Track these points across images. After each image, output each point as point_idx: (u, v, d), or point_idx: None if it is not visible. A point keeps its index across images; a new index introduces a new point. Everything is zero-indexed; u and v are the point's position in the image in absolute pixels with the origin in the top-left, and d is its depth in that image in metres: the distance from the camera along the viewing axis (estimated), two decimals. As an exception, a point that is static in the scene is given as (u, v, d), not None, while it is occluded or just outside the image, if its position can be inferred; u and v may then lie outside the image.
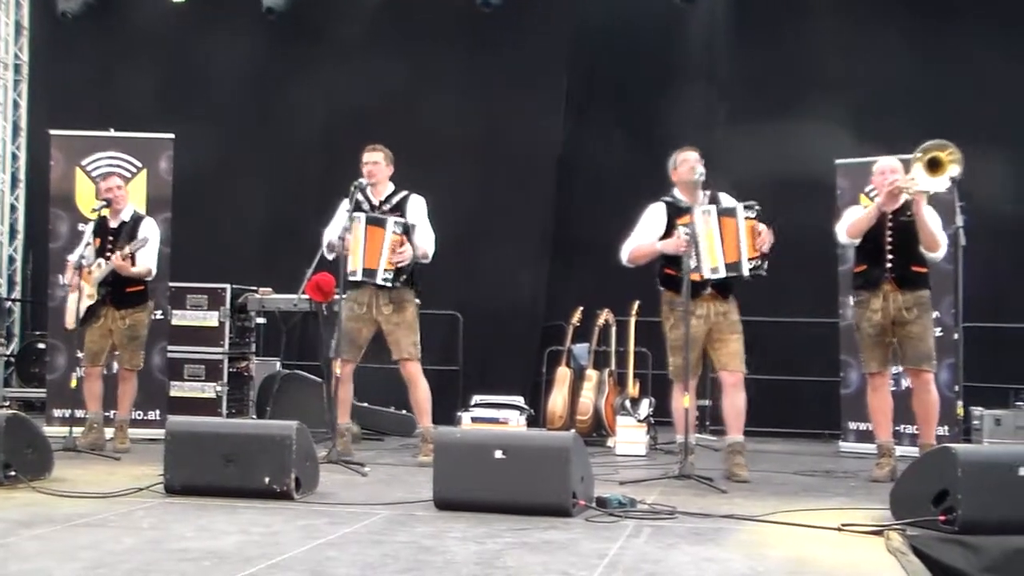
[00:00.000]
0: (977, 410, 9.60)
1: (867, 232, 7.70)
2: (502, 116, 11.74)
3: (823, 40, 11.29)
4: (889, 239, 7.64)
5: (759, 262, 7.38)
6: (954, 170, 7.23)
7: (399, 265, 8.02)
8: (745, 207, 7.42)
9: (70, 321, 8.62)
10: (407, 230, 8.04)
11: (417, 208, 8.29)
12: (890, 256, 7.64)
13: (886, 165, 7.71)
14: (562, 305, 10.85)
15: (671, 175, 7.76)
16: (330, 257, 8.15)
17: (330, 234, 8.17)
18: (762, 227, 7.37)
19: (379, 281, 8.02)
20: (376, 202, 8.24)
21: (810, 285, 9.97)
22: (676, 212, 7.59)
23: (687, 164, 7.59)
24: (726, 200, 7.68)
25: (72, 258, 8.73)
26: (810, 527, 5.66)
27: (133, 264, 8.54)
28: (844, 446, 9.64)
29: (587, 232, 11.52)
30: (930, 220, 7.44)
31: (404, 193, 8.33)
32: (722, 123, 11.09)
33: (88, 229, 8.85)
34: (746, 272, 7.39)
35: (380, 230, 8.02)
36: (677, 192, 7.71)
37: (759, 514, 6.01)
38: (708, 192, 7.67)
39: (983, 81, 10.78)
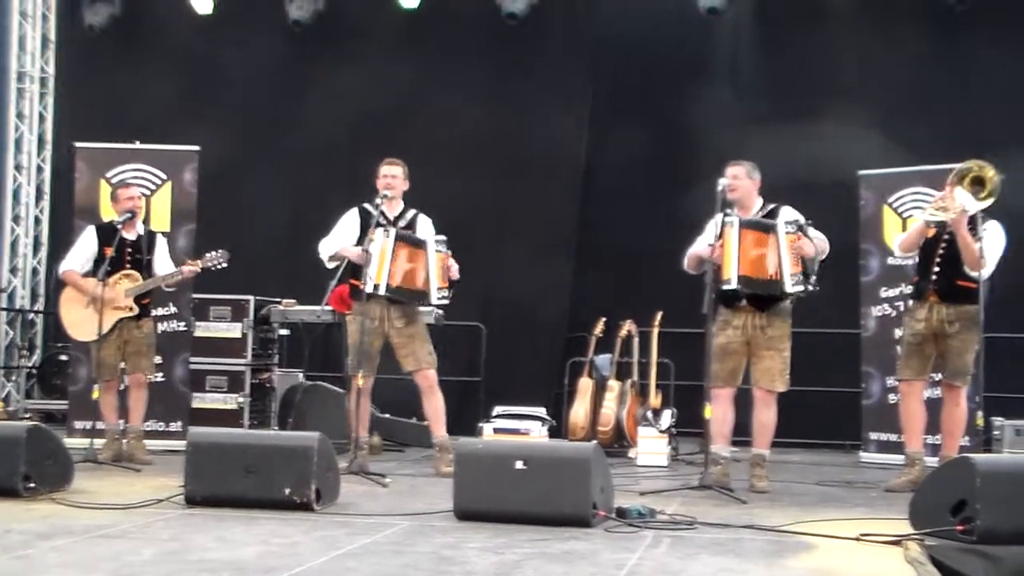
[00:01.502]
0: (998, 420, 9.59)
1: (925, 243, 7.74)
2: (526, 126, 11.75)
3: (846, 47, 11.28)
4: (940, 252, 7.66)
5: (800, 278, 7.32)
6: (994, 190, 7.20)
7: (451, 280, 8.14)
8: (787, 223, 7.40)
9: (88, 334, 8.59)
10: (448, 249, 8.14)
11: (427, 228, 8.36)
12: (936, 268, 7.67)
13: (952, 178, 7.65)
14: (585, 316, 10.86)
15: None
16: (330, 266, 8.20)
17: (332, 244, 8.24)
18: (803, 239, 7.35)
19: (435, 302, 8.13)
20: (391, 217, 8.28)
21: (832, 296, 9.92)
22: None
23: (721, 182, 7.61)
24: (783, 214, 7.63)
25: (73, 267, 8.71)
26: (829, 537, 5.65)
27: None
28: (865, 456, 9.63)
29: (611, 242, 11.54)
30: (986, 241, 7.38)
31: (414, 211, 8.39)
32: (746, 129, 11.08)
33: (89, 239, 8.77)
34: (789, 287, 7.32)
35: (420, 252, 8.09)
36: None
37: (779, 524, 6.01)
38: (771, 205, 7.68)
39: (1007, 88, 10.74)
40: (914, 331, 7.78)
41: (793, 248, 7.32)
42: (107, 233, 8.69)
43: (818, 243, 7.43)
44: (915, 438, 7.89)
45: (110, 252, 8.47)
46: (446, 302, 8.23)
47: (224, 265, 8.72)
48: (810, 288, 7.40)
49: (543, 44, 11.80)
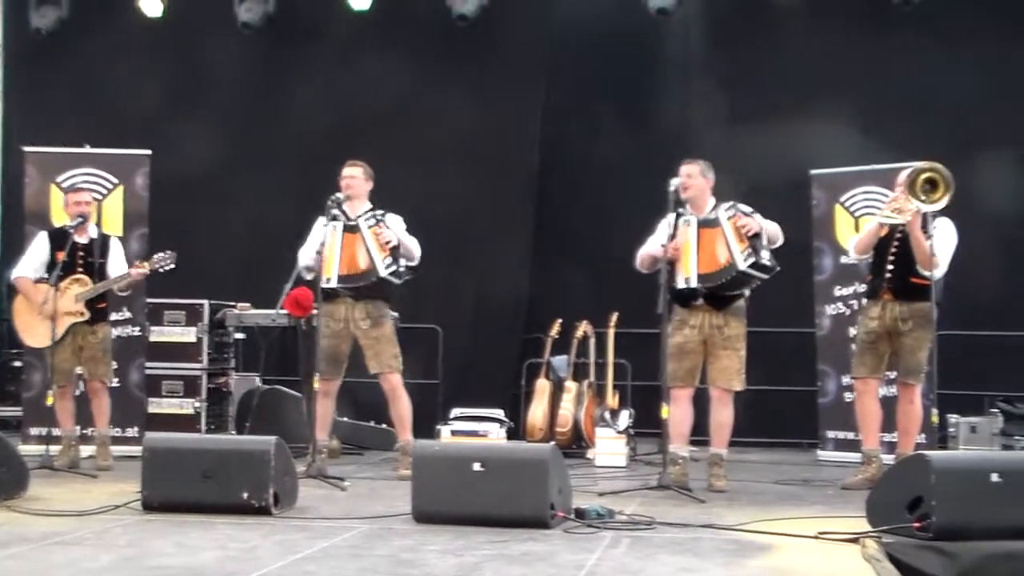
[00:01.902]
0: (953, 417, 9.67)
1: (878, 242, 7.81)
2: (480, 128, 11.70)
3: (796, 47, 11.31)
4: (893, 250, 7.75)
5: (750, 251, 7.27)
6: (948, 191, 7.24)
7: (390, 246, 7.99)
8: (725, 210, 7.46)
9: (41, 340, 8.48)
10: (379, 220, 8.08)
11: (395, 225, 8.29)
12: (890, 267, 7.75)
13: (903, 179, 7.68)
14: (541, 317, 10.87)
15: None
16: (309, 277, 8.16)
17: (306, 254, 8.19)
18: (745, 219, 7.36)
19: (383, 275, 7.96)
20: (353, 217, 8.23)
21: (787, 295, 10.00)
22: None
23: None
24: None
25: (25, 273, 8.61)
26: (788, 536, 5.69)
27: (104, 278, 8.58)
28: (822, 455, 9.69)
29: (566, 243, 11.54)
30: (936, 240, 7.42)
31: (381, 211, 8.32)
32: (698, 128, 11.11)
33: (41, 244, 8.68)
34: (741, 264, 7.25)
35: (356, 235, 8.04)
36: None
37: (737, 523, 6.04)
38: (724, 204, 7.60)
39: (961, 88, 10.80)
40: (868, 329, 7.85)
41: (736, 228, 7.35)
42: (59, 238, 8.59)
43: (768, 229, 7.45)
44: (871, 436, 7.95)
45: (62, 257, 8.39)
46: (400, 269, 8.04)
47: (172, 266, 8.64)
48: (764, 262, 7.33)
49: (494, 45, 11.75)
